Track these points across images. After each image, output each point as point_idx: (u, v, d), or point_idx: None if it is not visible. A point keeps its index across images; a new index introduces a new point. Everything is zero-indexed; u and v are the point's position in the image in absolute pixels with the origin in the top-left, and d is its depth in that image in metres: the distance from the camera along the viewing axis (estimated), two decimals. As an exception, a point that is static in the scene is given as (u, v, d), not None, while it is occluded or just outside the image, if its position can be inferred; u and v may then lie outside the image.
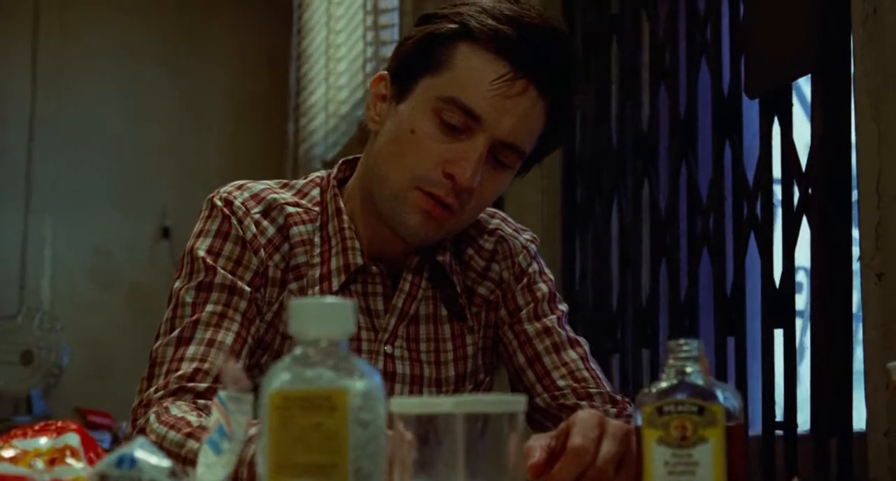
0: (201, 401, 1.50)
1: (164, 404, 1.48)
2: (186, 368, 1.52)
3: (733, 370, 2.14)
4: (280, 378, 0.91)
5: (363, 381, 0.90)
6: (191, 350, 1.54)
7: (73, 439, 1.13)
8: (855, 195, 1.88)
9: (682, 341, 1.11)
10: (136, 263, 5.31)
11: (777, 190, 2.10)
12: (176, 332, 1.56)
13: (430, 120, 1.55)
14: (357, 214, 1.64)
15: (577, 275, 2.79)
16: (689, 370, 1.09)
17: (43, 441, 1.14)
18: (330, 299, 0.93)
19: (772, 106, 2.07)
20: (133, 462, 0.91)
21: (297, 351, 0.92)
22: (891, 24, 1.78)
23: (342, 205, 1.65)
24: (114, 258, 5.33)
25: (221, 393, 1.03)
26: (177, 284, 1.61)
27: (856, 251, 1.88)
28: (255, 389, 1.55)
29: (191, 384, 1.51)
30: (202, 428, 1.39)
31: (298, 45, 5.18)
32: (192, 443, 1.37)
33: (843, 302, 1.86)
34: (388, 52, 4.02)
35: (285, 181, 1.72)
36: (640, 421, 1.09)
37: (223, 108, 5.43)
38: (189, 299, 1.58)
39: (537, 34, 1.54)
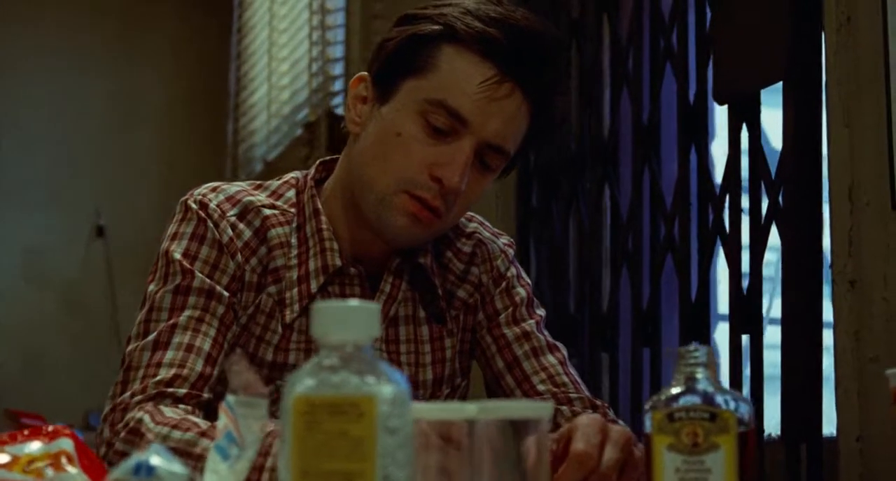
0: (182, 407, 1.47)
1: (147, 407, 1.45)
2: (165, 374, 1.49)
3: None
4: (304, 383, 0.88)
5: (391, 387, 0.88)
6: (168, 355, 1.50)
7: (67, 444, 1.10)
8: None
9: (691, 347, 1.10)
10: (69, 262, 5.21)
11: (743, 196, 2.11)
12: (152, 336, 1.52)
13: (415, 123, 1.53)
14: (337, 216, 1.62)
15: (533, 279, 2.78)
16: (698, 376, 1.09)
17: (35, 446, 1.10)
18: (354, 302, 0.91)
19: (740, 112, 2.08)
20: (151, 469, 0.88)
21: (321, 355, 0.90)
22: (864, 31, 1.80)
23: (320, 206, 1.62)
24: (46, 257, 5.23)
25: (230, 398, 1.01)
26: (151, 287, 1.57)
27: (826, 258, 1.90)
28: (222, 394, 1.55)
29: (170, 389, 1.47)
30: (215, 428, 1.36)
31: (239, 43, 5.13)
32: (206, 442, 1.34)
33: (813, 308, 1.87)
34: (335, 52, 3.99)
35: (259, 183, 1.69)
36: (649, 428, 1.08)
37: (159, 107, 5.36)
38: (166, 303, 1.54)
39: (524, 36, 1.53)
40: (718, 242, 2.14)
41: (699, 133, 2.23)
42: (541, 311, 1.72)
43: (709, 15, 2.22)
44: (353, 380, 0.88)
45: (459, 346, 1.68)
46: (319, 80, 4.05)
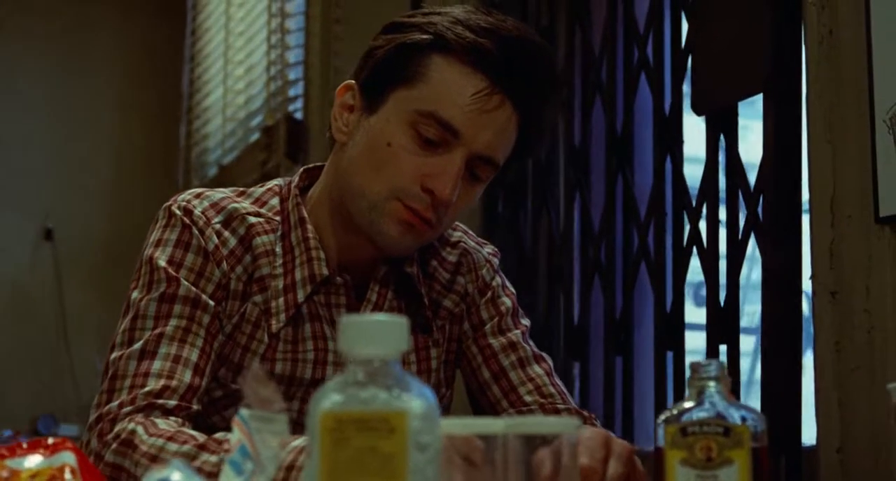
0: (173, 419, 1.44)
1: (137, 419, 1.42)
2: (154, 385, 1.46)
3: (672, 385, 2.16)
4: (331, 398, 0.87)
5: (421, 402, 0.86)
6: (156, 365, 1.48)
7: (69, 458, 1.07)
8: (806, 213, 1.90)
9: (704, 361, 1.09)
10: (16, 264, 5.13)
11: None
12: (138, 345, 1.50)
13: (405, 133, 1.51)
14: (323, 224, 1.60)
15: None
16: (711, 390, 1.08)
17: (36, 460, 1.07)
18: (382, 316, 0.90)
19: (718, 123, 2.08)
20: (174, 486, 0.86)
21: (348, 370, 0.88)
22: (846, 44, 1.81)
23: (305, 214, 1.60)
24: (-8, 259, 5.15)
25: (244, 412, 0.99)
26: (135, 294, 1.54)
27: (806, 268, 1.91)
28: (225, 404, 1.53)
29: (160, 401, 1.45)
30: (216, 441, 1.34)
31: (192, 46, 5.08)
32: (206, 456, 1.32)
33: (792, 319, 1.88)
34: (293, 56, 3.96)
35: (241, 189, 1.67)
36: (662, 442, 1.08)
37: (110, 109, 5.29)
38: (151, 311, 1.52)
39: (515, 47, 1.52)
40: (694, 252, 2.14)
41: (674, 143, 2.24)
42: (526, 321, 1.72)
43: (685, 26, 2.22)
44: (382, 396, 0.86)
45: (445, 356, 1.67)
46: (278, 84, 4.02)
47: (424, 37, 1.53)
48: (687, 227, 2.17)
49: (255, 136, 4.20)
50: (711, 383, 1.09)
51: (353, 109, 1.58)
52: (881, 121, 1.72)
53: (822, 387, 1.80)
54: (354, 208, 1.55)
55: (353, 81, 1.59)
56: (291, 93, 3.94)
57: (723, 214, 2.08)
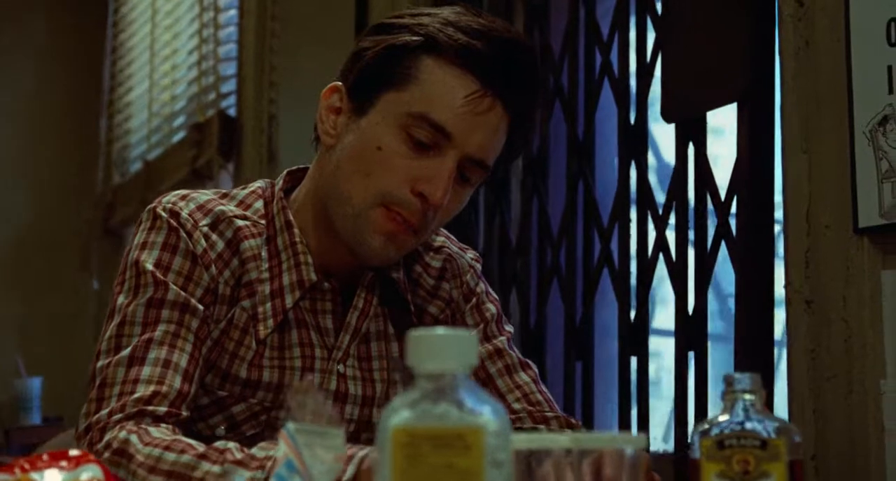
0: (164, 426, 1.40)
1: (129, 426, 1.38)
2: (143, 391, 1.42)
3: (637, 389, 2.16)
4: (401, 414, 0.85)
5: (495, 418, 0.85)
6: (145, 371, 1.44)
7: (95, 471, 1.04)
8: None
9: (738, 374, 1.10)
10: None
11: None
12: (126, 351, 1.46)
13: (397, 136, 1.49)
14: (307, 228, 1.57)
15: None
16: (747, 403, 1.09)
17: (59, 474, 1.03)
18: (449, 330, 0.88)
19: (688, 130, 2.09)
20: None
21: (418, 385, 0.86)
22: (823, 55, 1.83)
23: (291, 218, 1.57)
24: None
25: (291, 426, 0.96)
26: (121, 299, 1.50)
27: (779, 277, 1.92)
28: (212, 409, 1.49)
29: (150, 407, 1.41)
30: (217, 450, 1.31)
31: (114, 39, 4.97)
32: (206, 465, 1.29)
33: (765, 325, 1.90)
34: (226, 52, 3.90)
35: (224, 191, 1.64)
36: (698, 454, 1.08)
37: (26, 102, 5.16)
38: (139, 316, 1.48)
39: (507, 49, 1.51)
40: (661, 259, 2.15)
41: (639, 149, 2.24)
42: (509, 327, 1.71)
43: (650, 33, 2.24)
44: (454, 411, 0.85)
45: (430, 363, 1.65)
46: (209, 80, 3.96)
47: (415, 38, 1.51)
48: (653, 234, 2.17)
49: (183, 133, 4.13)
50: (746, 396, 1.09)
51: (340, 112, 1.55)
52: (861, 134, 1.75)
53: (796, 395, 1.82)
54: (338, 214, 1.52)
55: (339, 83, 1.56)
56: (224, 89, 3.88)
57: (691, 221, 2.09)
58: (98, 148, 4.99)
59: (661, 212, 2.15)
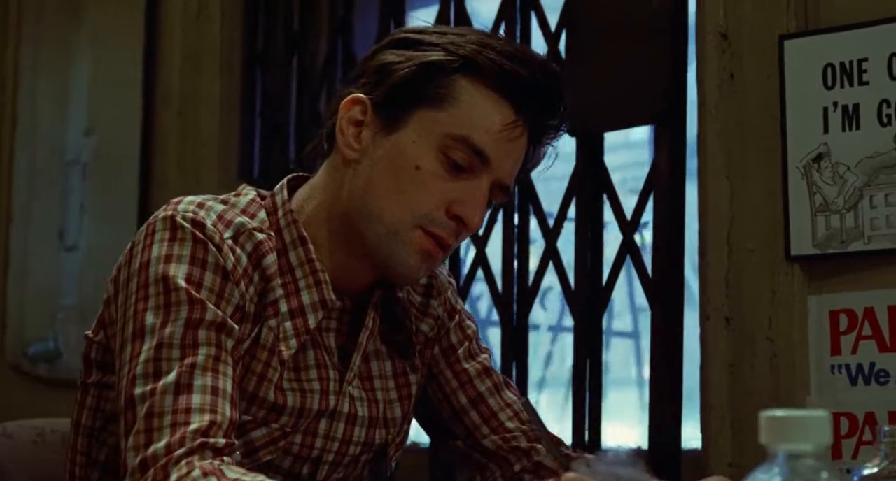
0: (227, 460, 1.32)
1: (196, 463, 1.29)
2: (200, 421, 1.32)
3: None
4: (775, 494, 0.87)
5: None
6: (196, 400, 1.34)
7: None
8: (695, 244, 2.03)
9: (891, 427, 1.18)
10: None
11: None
12: (171, 377, 1.35)
13: (436, 157, 1.47)
14: (321, 244, 1.51)
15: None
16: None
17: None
18: (806, 411, 0.91)
19: (590, 147, 2.17)
20: None
21: (774, 463, 0.89)
22: (750, 89, 1.95)
23: (305, 233, 1.51)
24: None
25: None
26: (150, 318, 1.38)
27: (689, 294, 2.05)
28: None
29: (212, 440, 1.32)
30: None
31: None
32: None
33: (676, 340, 2.02)
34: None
35: (223, 198, 1.54)
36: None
37: None
38: (177, 338, 1.37)
39: (542, 77, 1.52)
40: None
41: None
42: (486, 345, 1.72)
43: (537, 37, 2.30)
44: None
45: (420, 381, 1.64)
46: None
47: (451, 58, 1.49)
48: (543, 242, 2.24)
49: None
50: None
51: (362, 124, 1.50)
52: (794, 168, 1.89)
53: (714, 404, 1.94)
54: (370, 231, 1.48)
55: (360, 95, 1.51)
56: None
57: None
58: None
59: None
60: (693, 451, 2.01)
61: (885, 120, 1.81)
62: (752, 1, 1.96)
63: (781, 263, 1.89)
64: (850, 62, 1.85)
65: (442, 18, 2.46)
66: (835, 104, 1.86)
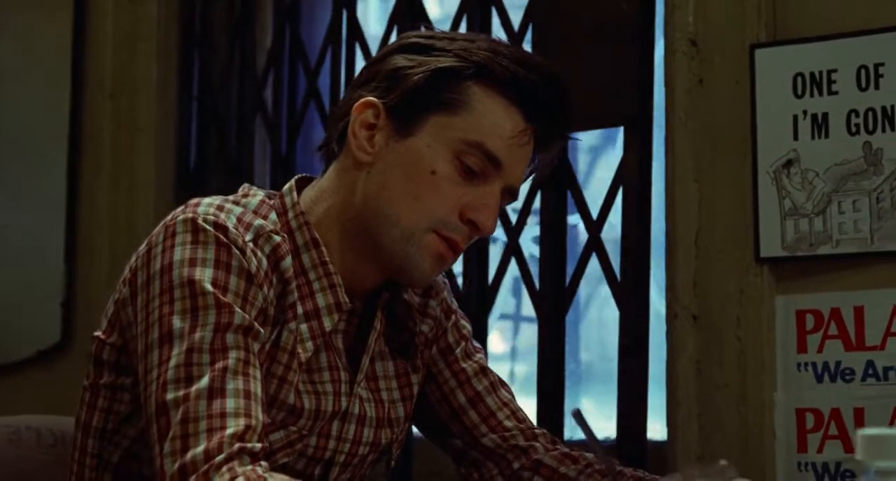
0: (264, 464, 1.33)
1: (237, 469, 1.29)
2: (235, 426, 1.32)
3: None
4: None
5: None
6: (229, 404, 1.34)
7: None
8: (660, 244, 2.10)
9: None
10: None
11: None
12: (204, 382, 1.35)
13: (450, 162, 1.49)
14: (332, 246, 1.53)
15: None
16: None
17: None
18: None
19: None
20: None
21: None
22: (720, 95, 2.02)
23: (317, 236, 1.52)
24: None
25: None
26: (178, 323, 1.38)
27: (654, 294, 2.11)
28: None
29: (248, 445, 1.32)
30: None
31: None
32: None
33: (643, 338, 2.09)
34: None
35: (233, 199, 1.54)
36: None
37: None
38: (206, 343, 1.37)
39: (552, 85, 1.55)
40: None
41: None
42: (479, 344, 1.75)
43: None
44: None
45: (421, 381, 1.66)
46: None
47: (465, 64, 1.51)
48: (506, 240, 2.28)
49: None
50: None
51: (375, 128, 1.52)
52: (764, 173, 1.96)
53: (682, 400, 2.01)
54: (384, 236, 1.50)
55: (373, 99, 1.52)
56: None
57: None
58: None
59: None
60: (660, 443, 2.08)
61: (854, 129, 1.89)
62: (721, 10, 2.02)
63: (751, 264, 1.96)
64: (820, 72, 1.92)
65: (397, 10, 2.46)
66: (804, 112, 1.94)
